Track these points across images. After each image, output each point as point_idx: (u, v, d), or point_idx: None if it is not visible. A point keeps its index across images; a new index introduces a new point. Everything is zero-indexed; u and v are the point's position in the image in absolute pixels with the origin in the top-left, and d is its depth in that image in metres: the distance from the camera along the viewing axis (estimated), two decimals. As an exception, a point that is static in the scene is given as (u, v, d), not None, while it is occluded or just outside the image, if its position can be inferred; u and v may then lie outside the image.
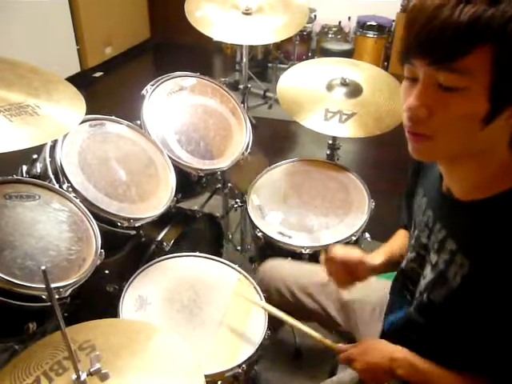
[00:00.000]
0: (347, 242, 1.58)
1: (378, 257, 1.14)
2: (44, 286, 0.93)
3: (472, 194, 0.81)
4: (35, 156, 1.37)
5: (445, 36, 0.64)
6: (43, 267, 0.66)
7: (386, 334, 1.11)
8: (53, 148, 1.34)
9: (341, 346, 1.10)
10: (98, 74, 4.52)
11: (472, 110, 0.68)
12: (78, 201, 1.27)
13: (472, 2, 0.63)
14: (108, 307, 1.34)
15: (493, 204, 0.77)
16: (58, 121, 1.08)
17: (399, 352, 0.97)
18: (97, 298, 1.54)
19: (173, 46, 5.11)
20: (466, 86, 0.67)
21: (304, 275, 1.36)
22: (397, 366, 0.95)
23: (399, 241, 1.18)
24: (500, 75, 0.65)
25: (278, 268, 1.42)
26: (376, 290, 1.27)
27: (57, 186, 1.28)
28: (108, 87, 4.41)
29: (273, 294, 1.38)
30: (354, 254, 1.12)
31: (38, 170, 1.34)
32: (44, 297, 1.06)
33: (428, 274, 0.91)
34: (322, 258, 1.15)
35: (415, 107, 0.72)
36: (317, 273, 1.36)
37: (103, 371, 0.85)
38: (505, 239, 0.75)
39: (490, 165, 0.77)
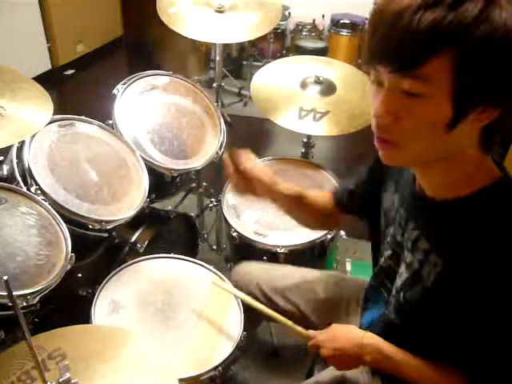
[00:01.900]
0: (322, 240, 1.58)
1: (285, 189, 1.14)
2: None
3: (444, 194, 0.81)
4: (1, 158, 1.33)
5: (405, 44, 0.64)
6: (5, 277, 0.63)
7: None
8: (20, 149, 1.31)
9: (310, 331, 1.09)
10: (69, 72, 4.43)
11: (436, 116, 0.69)
12: (46, 204, 1.24)
13: (432, 8, 0.62)
14: (81, 311, 1.30)
15: (464, 204, 0.78)
16: (25, 121, 1.05)
17: (369, 338, 0.97)
18: (69, 303, 1.50)
19: (146, 43, 5.03)
20: (429, 92, 0.67)
21: (277, 277, 1.35)
22: (365, 353, 0.95)
23: (320, 196, 1.20)
24: (462, 80, 0.65)
25: (251, 271, 1.41)
26: (350, 288, 1.28)
27: (24, 189, 1.25)
28: (80, 85, 4.33)
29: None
30: (259, 172, 1.10)
31: (5, 173, 1.30)
32: (10, 304, 1.02)
33: (403, 272, 0.91)
34: (226, 156, 1.13)
35: (381, 114, 0.72)
36: (290, 274, 1.36)
37: (73, 381, 0.82)
38: (476, 238, 0.75)
39: (460, 166, 0.78)
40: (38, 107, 1.10)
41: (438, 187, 0.82)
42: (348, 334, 1.01)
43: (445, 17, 0.61)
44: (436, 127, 0.70)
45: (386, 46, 0.67)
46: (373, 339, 0.96)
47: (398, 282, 0.93)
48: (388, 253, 1.00)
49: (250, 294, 1.34)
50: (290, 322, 1.14)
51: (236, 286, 1.37)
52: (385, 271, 1.02)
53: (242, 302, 1.30)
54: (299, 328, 1.12)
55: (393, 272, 0.97)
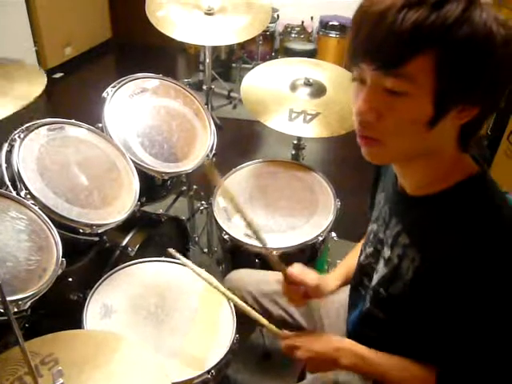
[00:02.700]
0: (314, 242, 1.58)
1: (333, 281, 1.15)
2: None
3: (423, 190, 0.83)
4: (-10, 162, 1.32)
5: (389, 43, 0.65)
6: (-2, 282, 0.63)
7: (350, 334, 1.12)
8: (9, 153, 1.29)
9: (285, 332, 1.07)
10: (57, 75, 4.40)
11: (418, 114, 0.70)
12: (36, 208, 1.23)
13: (415, 7, 0.63)
14: (73, 316, 1.30)
15: (440, 198, 0.80)
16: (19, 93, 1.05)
17: (344, 342, 0.98)
18: (61, 307, 1.49)
19: (135, 46, 5.02)
20: (411, 91, 0.68)
21: (267, 282, 1.36)
22: (340, 356, 0.95)
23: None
24: (443, 80, 0.67)
25: (243, 278, 1.41)
26: (340, 291, 1.28)
27: (14, 194, 1.23)
28: (68, 88, 4.30)
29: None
30: (310, 279, 1.10)
31: (-6, 177, 1.29)
32: (2, 310, 1.01)
33: (381, 268, 0.92)
34: (282, 277, 1.13)
35: (364, 111, 0.73)
36: (280, 279, 1.36)
37: (66, 386, 0.82)
38: (451, 231, 0.77)
39: (439, 163, 0.79)
40: (30, 81, 1.11)
41: (417, 183, 0.84)
42: (324, 337, 1.02)
43: (428, 17, 0.63)
44: (417, 125, 0.71)
45: (370, 45, 0.68)
46: (349, 343, 0.97)
47: (375, 278, 0.94)
48: (369, 250, 1.01)
49: (241, 299, 1.33)
50: (264, 321, 1.13)
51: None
52: (364, 269, 1.03)
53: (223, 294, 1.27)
54: (273, 327, 1.10)
55: (371, 268, 0.99)
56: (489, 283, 0.74)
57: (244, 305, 1.11)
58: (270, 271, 1.46)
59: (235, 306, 1.17)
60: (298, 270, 1.12)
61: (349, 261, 1.20)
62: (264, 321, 1.09)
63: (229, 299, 1.15)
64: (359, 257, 1.08)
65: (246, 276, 1.43)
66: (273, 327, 1.09)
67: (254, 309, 1.23)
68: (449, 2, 0.63)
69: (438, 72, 0.66)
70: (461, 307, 0.77)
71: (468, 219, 0.76)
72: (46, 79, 1.14)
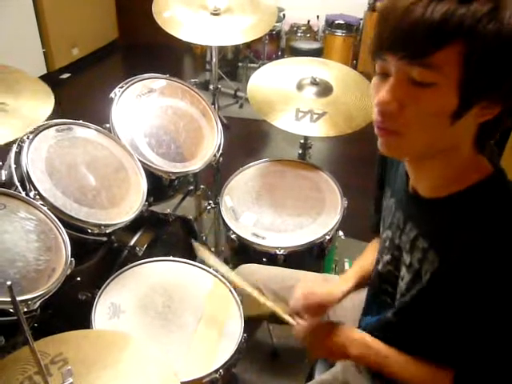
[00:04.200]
0: (321, 241, 1.58)
1: (344, 284, 1.14)
2: (9, 300, 0.90)
3: (437, 192, 0.82)
4: (-1, 163, 1.33)
5: (418, 32, 0.66)
6: (9, 282, 0.64)
7: None
8: (18, 154, 1.30)
9: (298, 319, 1.09)
10: (65, 76, 4.43)
11: (442, 106, 0.70)
12: (45, 209, 1.23)
13: (444, 1, 0.64)
14: (81, 315, 1.30)
15: (456, 199, 0.79)
16: (27, 115, 1.07)
17: (357, 332, 0.99)
18: (69, 307, 1.50)
19: (141, 46, 5.04)
20: (436, 82, 0.68)
21: (276, 280, 1.36)
22: (352, 345, 0.96)
23: (373, 255, 1.16)
24: (469, 72, 0.66)
25: (252, 273, 1.41)
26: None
27: (23, 194, 1.24)
28: (76, 89, 4.33)
29: (247, 301, 1.37)
30: (315, 296, 1.11)
31: (3, 178, 1.30)
32: (12, 310, 1.02)
33: (405, 275, 0.91)
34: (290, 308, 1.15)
35: (387, 101, 0.72)
36: (290, 276, 1.37)
37: (75, 386, 0.82)
38: (468, 232, 0.76)
39: (454, 162, 0.79)
40: (39, 102, 1.11)
41: (431, 184, 0.83)
42: (336, 325, 1.02)
43: (457, 10, 0.63)
44: (440, 118, 0.71)
45: (399, 34, 0.68)
46: (361, 334, 0.98)
47: (402, 285, 0.93)
48: (387, 258, 1.00)
49: (249, 296, 1.34)
50: (278, 309, 1.13)
51: (235, 288, 1.37)
52: (384, 277, 1.02)
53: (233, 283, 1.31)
54: (286, 316, 1.12)
55: (393, 276, 0.98)
56: (508, 284, 0.73)
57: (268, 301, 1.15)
58: (279, 267, 1.47)
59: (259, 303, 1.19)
60: (303, 290, 1.13)
61: (364, 259, 1.19)
62: (284, 314, 1.12)
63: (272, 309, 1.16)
64: (376, 265, 1.06)
65: (255, 271, 1.43)
66: (286, 316, 1.11)
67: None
68: (474, 0, 0.64)
69: (464, 64, 0.66)
70: (479, 308, 0.77)
71: (488, 220, 0.75)
72: (53, 98, 1.15)
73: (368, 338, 0.97)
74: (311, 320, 1.07)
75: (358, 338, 0.97)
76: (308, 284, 1.15)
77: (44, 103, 1.12)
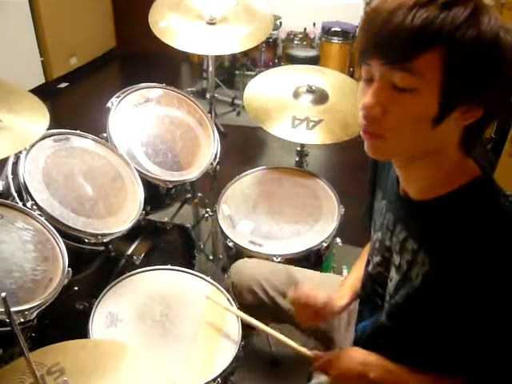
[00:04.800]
0: (318, 248, 1.59)
1: (342, 298, 1.16)
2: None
3: (426, 194, 0.83)
4: (-4, 174, 1.34)
5: (399, 38, 0.67)
6: (3, 294, 0.64)
7: (357, 342, 1.12)
8: (15, 165, 1.31)
9: (316, 352, 1.09)
10: (63, 85, 4.44)
11: (423, 110, 0.71)
12: (43, 219, 1.24)
13: (425, 7, 0.66)
14: (78, 325, 1.30)
15: (444, 201, 0.80)
16: (22, 132, 1.07)
17: (371, 356, 0.98)
18: (66, 316, 1.50)
19: (139, 55, 5.05)
20: (418, 87, 0.70)
21: (276, 274, 1.37)
22: (369, 370, 0.95)
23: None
24: (450, 77, 0.68)
25: (250, 267, 1.42)
26: None
27: (20, 204, 1.25)
28: (73, 98, 4.34)
29: (246, 295, 1.37)
30: (319, 298, 1.11)
31: (0, 188, 1.31)
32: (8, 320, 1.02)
33: (394, 275, 0.92)
34: (290, 296, 1.15)
35: (370, 105, 0.74)
36: (291, 273, 1.37)
37: (72, 396, 0.82)
38: (458, 234, 0.77)
39: (442, 164, 0.80)
40: (34, 118, 1.12)
41: (420, 187, 0.85)
42: (351, 353, 1.01)
43: (437, 16, 0.65)
44: (422, 122, 0.73)
45: (380, 40, 0.70)
46: (374, 357, 0.97)
47: (390, 286, 0.94)
48: (377, 259, 1.01)
49: (251, 291, 1.34)
50: (293, 343, 1.14)
51: (235, 281, 1.37)
52: (374, 278, 1.03)
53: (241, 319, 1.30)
54: (303, 349, 1.12)
55: (382, 277, 0.99)
56: (499, 285, 0.73)
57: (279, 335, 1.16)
58: (278, 263, 1.47)
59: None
60: (307, 289, 1.13)
61: (355, 273, 1.20)
62: (298, 346, 1.12)
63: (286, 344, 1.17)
64: (366, 267, 1.07)
65: (254, 266, 1.44)
66: (304, 350, 1.11)
67: (263, 301, 1.24)
68: (457, 4, 0.66)
69: (445, 69, 0.68)
70: (473, 311, 0.77)
71: (476, 222, 0.76)
72: (48, 115, 1.15)
73: (381, 360, 0.96)
74: (329, 354, 1.07)
75: (373, 362, 0.96)
76: (314, 287, 1.15)
77: (39, 119, 1.12)
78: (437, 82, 0.69)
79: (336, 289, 1.20)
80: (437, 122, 0.72)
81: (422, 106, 0.71)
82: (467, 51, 0.66)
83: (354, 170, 3.12)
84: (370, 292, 1.07)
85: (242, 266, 1.45)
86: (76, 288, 1.45)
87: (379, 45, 0.70)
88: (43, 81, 4.29)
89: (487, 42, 0.66)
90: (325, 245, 1.60)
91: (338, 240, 1.84)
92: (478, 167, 0.82)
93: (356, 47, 0.76)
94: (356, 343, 1.12)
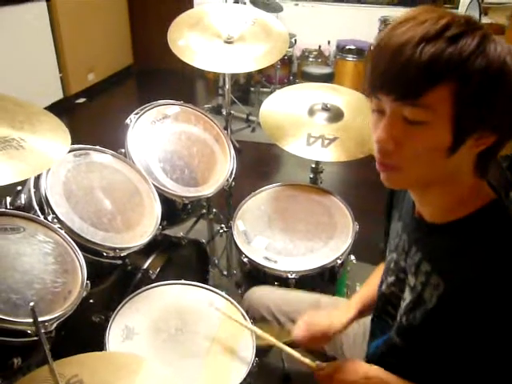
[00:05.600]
0: (333, 265, 1.59)
1: (345, 314, 1.17)
2: (29, 321, 0.92)
3: (441, 218, 0.84)
4: (19, 188, 1.37)
5: (407, 74, 0.68)
6: (32, 303, 0.66)
7: (369, 360, 1.11)
8: (37, 179, 1.34)
9: (319, 363, 1.09)
10: (81, 101, 4.54)
11: (436, 142, 0.72)
12: (63, 232, 1.26)
13: (432, 42, 0.66)
14: (94, 338, 1.32)
15: (459, 225, 0.81)
16: (43, 153, 1.09)
17: (373, 370, 0.98)
18: (83, 329, 1.51)
19: (156, 71, 5.14)
20: (429, 120, 0.70)
21: (288, 302, 1.37)
22: (371, 383, 0.95)
23: (377, 274, 1.19)
24: (461, 109, 0.69)
25: (263, 296, 1.43)
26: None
27: (42, 218, 1.28)
28: (91, 113, 4.42)
29: (259, 322, 1.37)
30: (317, 327, 1.14)
31: (23, 202, 1.33)
32: (29, 331, 1.04)
33: (407, 296, 0.92)
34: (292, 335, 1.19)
35: (383, 140, 0.75)
36: (302, 299, 1.37)
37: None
38: (475, 259, 0.77)
39: (456, 189, 0.81)
40: (56, 139, 1.14)
41: (435, 211, 0.85)
42: (354, 366, 1.02)
43: (444, 50, 0.66)
44: (436, 153, 0.73)
45: (389, 76, 0.70)
46: (377, 371, 0.97)
47: (402, 306, 0.94)
48: (391, 279, 1.01)
49: (261, 318, 1.35)
50: (297, 354, 1.15)
51: (248, 310, 1.38)
52: (387, 298, 1.03)
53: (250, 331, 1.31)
54: (307, 360, 1.13)
55: (396, 298, 0.99)
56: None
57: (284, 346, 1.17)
58: (291, 290, 1.47)
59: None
60: (304, 322, 1.17)
61: (365, 288, 1.21)
62: (301, 357, 1.12)
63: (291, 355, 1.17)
64: (380, 286, 1.07)
65: (266, 293, 1.44)
66: (307, 361, 1.11)
67: (274, 328, 1.25)
68: (464, 36, 0.66)
69: (455, 102, 0.68)
70: (487, 336, 0.77)
71: (490, 246, 0.76)
72: (69, 139, 1.18)
73: (383, 374, 0.96)
74: (331, 365, 1.08)
75: (375, 375, 0.97)
76: (311, 315, 1.18)
77: (60, 140, 1.15)
78: (448, 114, 0.69)
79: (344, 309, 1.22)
80: (451, 152, 0.73)
81: (435, 138, 0.72)
82: (477, 81, 0.67)
83: (368, 186, 3.13)
84: (381, 311, 1.07)
85: (255, 294, 1.45)
86: (92, 301, 1.47)
87: (389, 81, 0.71)
88: (62, 96, 4.38)
89: (495, 70, 0.67)
90: (339, 262, 1.60)
91: (353, 257, 1.84)
92: (492, 190, 0.82)
93: (364, 81, 0.77)
94: (368, 361, 1.11)
